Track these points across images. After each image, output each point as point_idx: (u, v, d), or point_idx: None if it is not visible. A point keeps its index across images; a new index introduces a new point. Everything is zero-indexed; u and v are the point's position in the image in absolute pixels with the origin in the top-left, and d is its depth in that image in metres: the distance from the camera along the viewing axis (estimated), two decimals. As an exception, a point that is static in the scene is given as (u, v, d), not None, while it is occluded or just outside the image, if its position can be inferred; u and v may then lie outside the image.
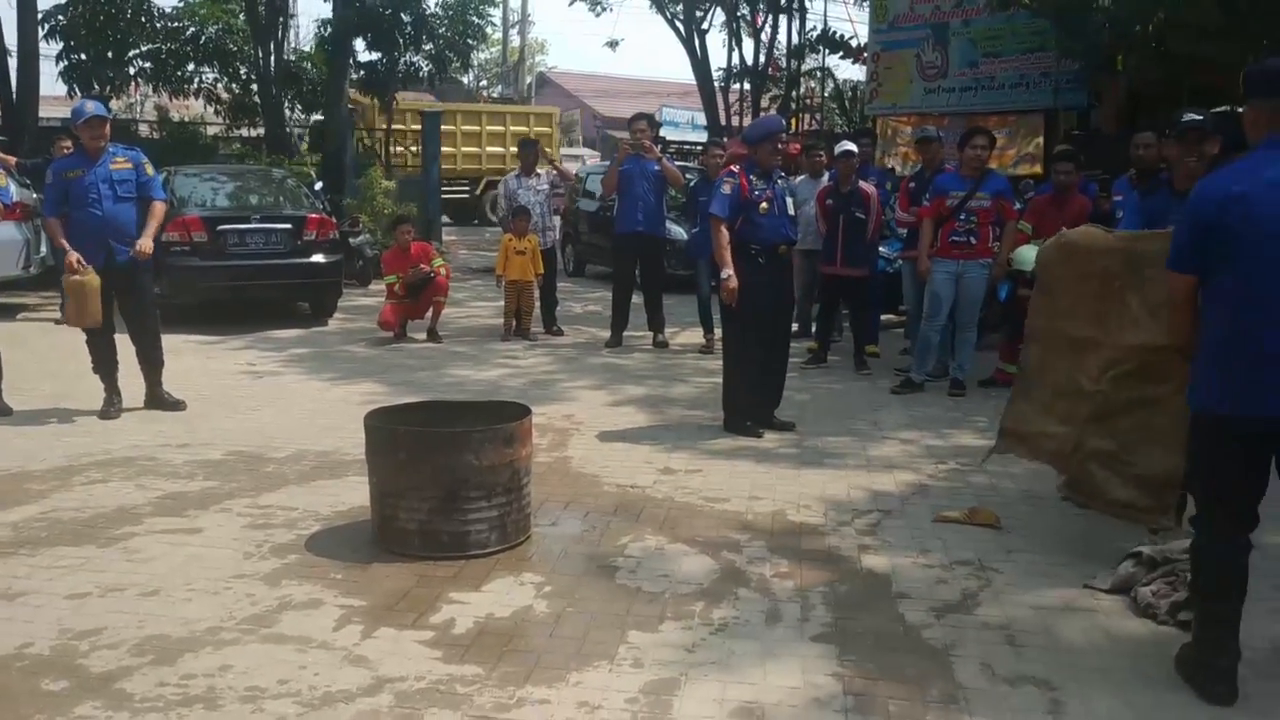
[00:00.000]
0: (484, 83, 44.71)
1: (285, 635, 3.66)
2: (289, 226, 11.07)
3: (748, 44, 21.97)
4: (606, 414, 7.20)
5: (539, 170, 10.68)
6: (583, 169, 17.98)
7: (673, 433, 6.67)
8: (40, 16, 17.45)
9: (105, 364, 6.95)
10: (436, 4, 20.51)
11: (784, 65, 22.06)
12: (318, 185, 15.31)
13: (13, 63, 16.97)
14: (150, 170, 7.02)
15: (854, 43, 20.07)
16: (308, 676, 3.36)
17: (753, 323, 6.53)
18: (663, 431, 6.71)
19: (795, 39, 21.19)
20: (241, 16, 19.90)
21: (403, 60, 20.44)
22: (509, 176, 11.10)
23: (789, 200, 6.71)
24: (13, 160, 11.97)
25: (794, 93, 21.84)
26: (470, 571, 4.25)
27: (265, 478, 5.60)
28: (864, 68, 17.62)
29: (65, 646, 3.57)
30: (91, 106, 6.88)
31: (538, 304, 10.65)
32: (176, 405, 7.06)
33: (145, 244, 6.87)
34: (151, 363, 7.08)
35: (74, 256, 6.62)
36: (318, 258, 11.13)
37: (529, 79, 38.52)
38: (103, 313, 6.78)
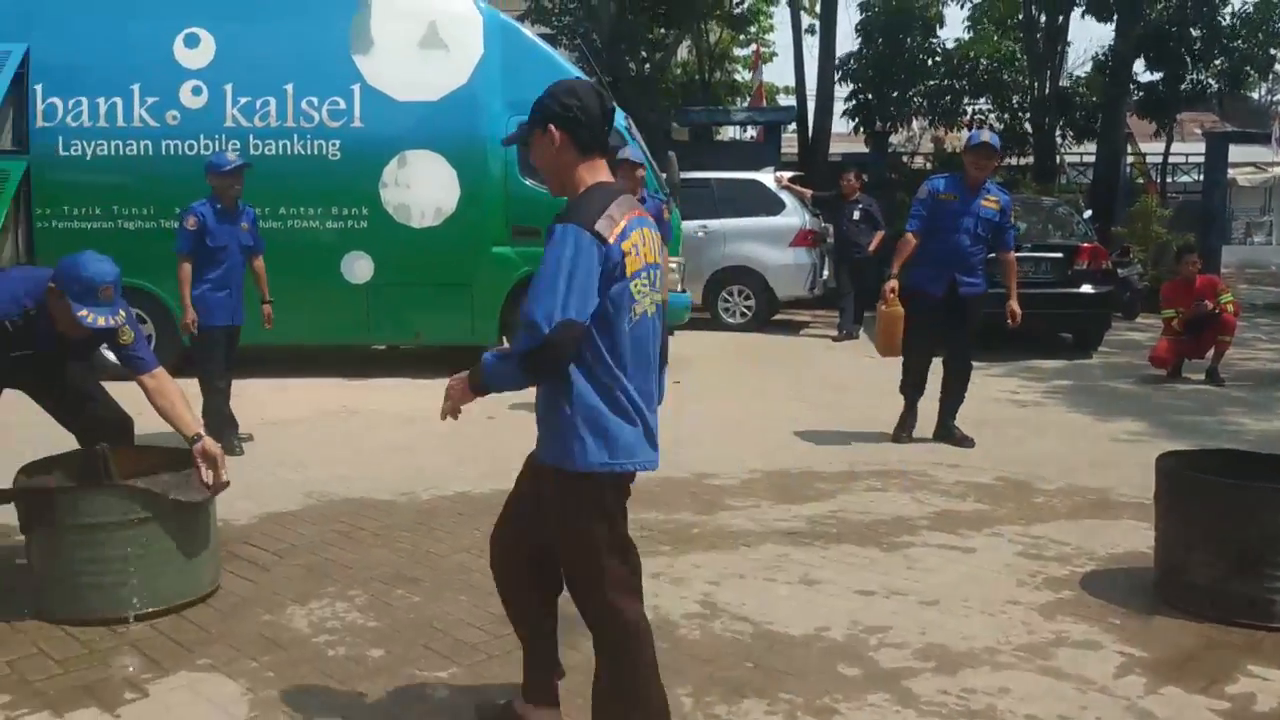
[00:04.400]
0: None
1: (1063, 671, 3.59)
2: (1060, 255, 10.96)
3: None
4: None
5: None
6: None
7: None
8: (835, 63, 19.35)
9: (914, 385, 7.05)
10: (1232, 14, 18.82)
11: None
12: (1087, 213, 14.92)
13: (809, 106, 19.09)
14: (1012, 218, 6.99)
15: None
16: (1088, 718, 3.26)
17: None
18: None
19: None
20: (1018, 47, 20.06)
21: (1188, 78, 19.08)
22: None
23: None
24: (808, 193, 13.40)
25: None
26: (1271, 644, 3.80)
27: (1034, 508, 5.57)
28: None
29: (855, 638, 3.88)
30: (987, 136, 6.87)
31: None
32: (964, 442, 6.91)
33: (1015, 307, 6.90)
34: (954, 393, 7.04)
35: (888, 286, 6.77)
36: (1087, 288, 10.89)
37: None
38: (904, 346, 6.89)
